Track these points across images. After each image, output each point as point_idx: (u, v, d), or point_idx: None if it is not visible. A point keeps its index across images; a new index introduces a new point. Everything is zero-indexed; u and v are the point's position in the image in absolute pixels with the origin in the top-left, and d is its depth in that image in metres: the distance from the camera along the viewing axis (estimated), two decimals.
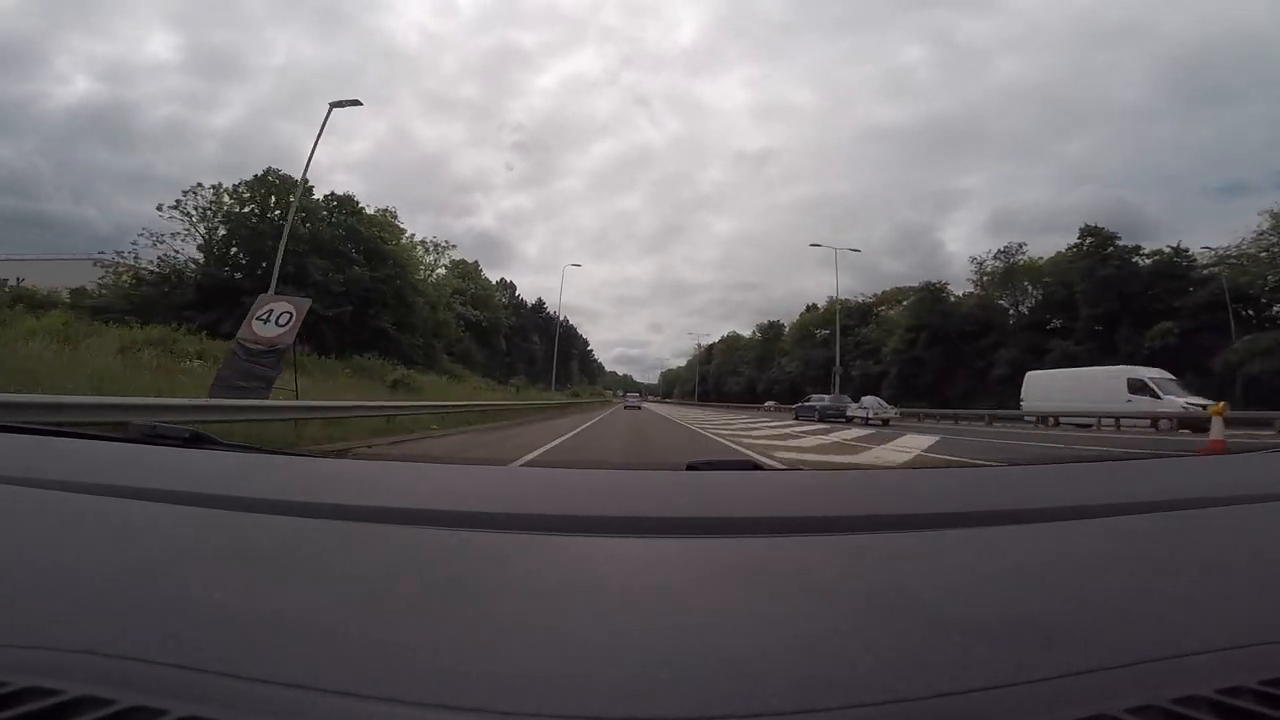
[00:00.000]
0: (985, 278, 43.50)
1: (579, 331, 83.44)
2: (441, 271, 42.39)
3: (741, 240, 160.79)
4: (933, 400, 36.06)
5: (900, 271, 55.60)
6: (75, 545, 0.60)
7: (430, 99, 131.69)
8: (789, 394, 50.18)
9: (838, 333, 38.05)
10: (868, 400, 25.84)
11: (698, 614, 0.47)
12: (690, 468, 1.08)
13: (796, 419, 23.99)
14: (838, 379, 33.34)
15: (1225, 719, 0.34)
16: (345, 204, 29.80)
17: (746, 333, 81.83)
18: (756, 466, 1.12)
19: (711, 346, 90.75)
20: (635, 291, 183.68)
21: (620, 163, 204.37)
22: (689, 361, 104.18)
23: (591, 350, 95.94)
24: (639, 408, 41.32)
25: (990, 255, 43.69)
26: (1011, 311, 41.92)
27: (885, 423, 21.74)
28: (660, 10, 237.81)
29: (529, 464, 2.77)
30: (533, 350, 58.59)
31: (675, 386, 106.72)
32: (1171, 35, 69.69)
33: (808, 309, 63.97)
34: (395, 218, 33.51)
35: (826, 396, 28.27)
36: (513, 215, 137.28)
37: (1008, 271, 42.08)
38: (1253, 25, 48.31)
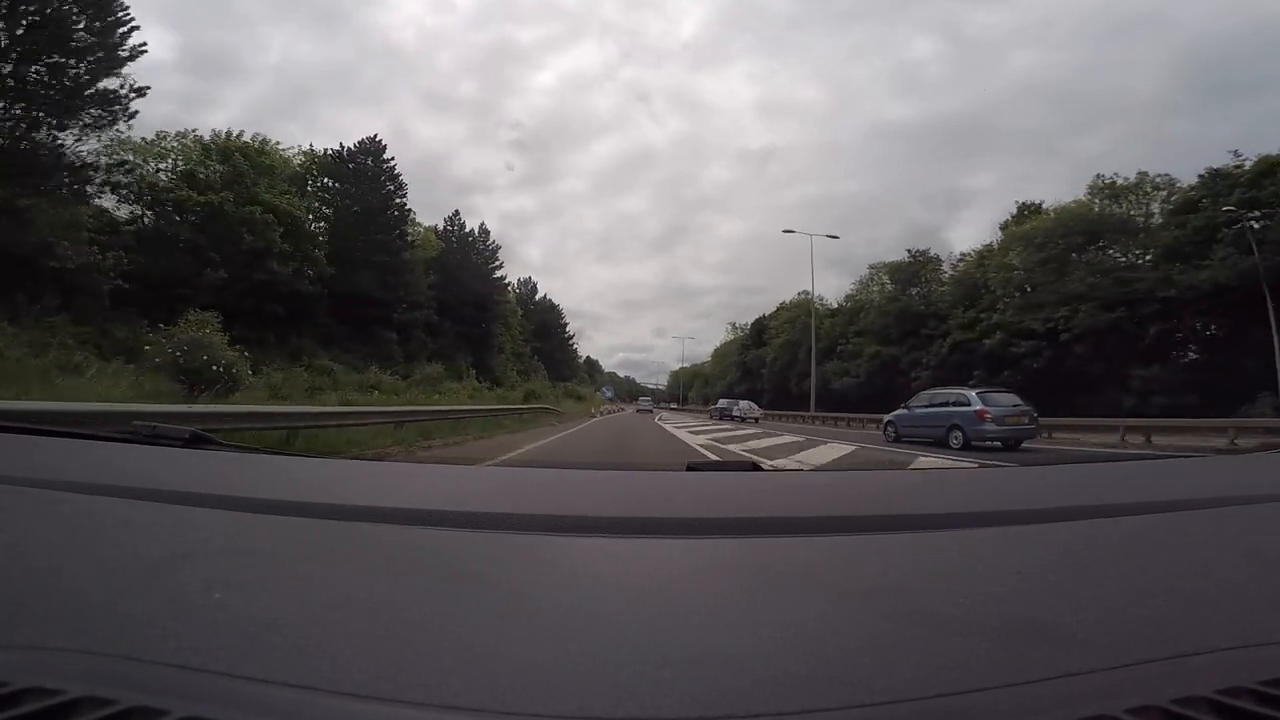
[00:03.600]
0: None
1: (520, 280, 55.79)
2: None
3: (747, 242, 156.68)
4: None
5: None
6: (75, 545, 0.63)
7: (427, 97, 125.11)
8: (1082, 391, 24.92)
9: None
10: (742, 404, 32.74)
11: (698, 614, 0.49)
12: (690, 468, 1.13)
13: (710, 418, 31.44)
14: None
15: (1225, 719, 0.35)
16: None
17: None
18: (756, 467, 1.17)
19: (762, 321, 59.57)
20: (639, 295, 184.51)
21: (622, 162, 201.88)
22: (716, 350, 79.93)
23: (566, 324, 65.10)
24: (651, 411, 40.78)
25: None
26: None
27: (757, 421, 28.33)
28: (661, 3, 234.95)
29: (529, 464, 2.86)
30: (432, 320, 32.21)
31: (692, 390, 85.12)
32: (1190, 26, 67.81)
33: (1021, 211, 36.21)
34: None
35: (724, 400, 36.78)
36: (515, 216, 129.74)
37: None
38: (1274, 16, 43.42)
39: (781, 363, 47.71)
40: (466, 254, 39.43)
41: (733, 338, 72.75)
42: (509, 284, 45.46)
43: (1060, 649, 0.41)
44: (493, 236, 42.06)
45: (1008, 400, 11.57)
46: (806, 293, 53.85)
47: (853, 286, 45.42)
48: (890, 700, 0.35)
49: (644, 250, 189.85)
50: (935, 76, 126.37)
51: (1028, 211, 35.12)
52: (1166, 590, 0.54)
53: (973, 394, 11.51)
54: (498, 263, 42.38)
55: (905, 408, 13.35)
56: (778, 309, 56.26)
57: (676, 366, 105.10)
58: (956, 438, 11.08)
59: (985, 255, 35.27)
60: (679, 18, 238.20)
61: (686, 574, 0.60)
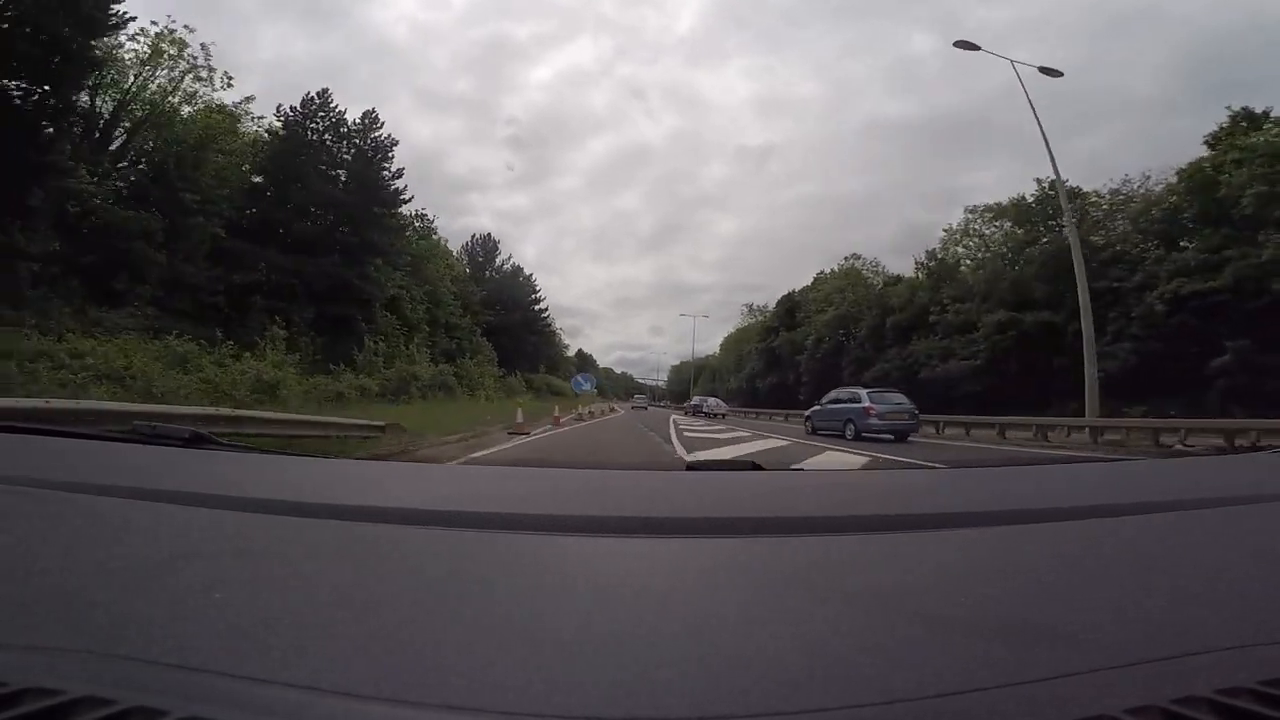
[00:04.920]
0: None
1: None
2: None
3: (744, 240, 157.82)
4: None
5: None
6: (75, 545, 0.65)
7: (422, 94, 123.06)
8: None
9: None
10: (710, 401, 36.48)
11: (697, 614, 0.50)
12: (690, 468, 1.15)
13: (686, 414, 35.02)
14: None
15: (1225, 719, 0.35)
16: None
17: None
18: (756, 466, 1.16)
19: (792, 299, 45.54)
20: (635, 293, 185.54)
21: (619, 159, 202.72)
22: (728, 339, 69.80)
23: (539, 300, 51.11)
24: (645, 408, 41.32)
25: None
26: None
27: (723, 417, 31.37)
28: None
29: (529, 464, 2.86)
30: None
31: (697, 385, 70.71)
32: (1189, 24, 65.76)
33: (1235, 121, 22.13)
34: None
35: (697, 397, 41.12)
36: (511, 215, 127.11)
37: None
38: (1274, 16, 41.60)
39: (828, 346, 34.25)
40: (335, 152, 24.34)
41: (748, 323, 59.34)
42: (407, 198, 26.89)
43: (1060, 649, 0.42)
44: (386, 127, 25.27)
45: (893, 399, 14.44)
46: (857, 256, 39.71)
47: (940, 238, 31.82)
48: (890, 700, 0.36)
49: (640, 248, 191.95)
50: (934, 73, 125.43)
51: (1244, 120, 20.86)
52: (1166, 590, 0.55)
53: (864, 393, 14.44)
54: (391, 170, 25.69)
55: (819, 404, 16.44)
56: (815, 281, 42.65)
57: (676, 363, 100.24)
58: (850, 430, 13.73)
59: (1194, 173, 21.01)
60: (676, 12, 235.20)
61: (686, 574, 0.61)
